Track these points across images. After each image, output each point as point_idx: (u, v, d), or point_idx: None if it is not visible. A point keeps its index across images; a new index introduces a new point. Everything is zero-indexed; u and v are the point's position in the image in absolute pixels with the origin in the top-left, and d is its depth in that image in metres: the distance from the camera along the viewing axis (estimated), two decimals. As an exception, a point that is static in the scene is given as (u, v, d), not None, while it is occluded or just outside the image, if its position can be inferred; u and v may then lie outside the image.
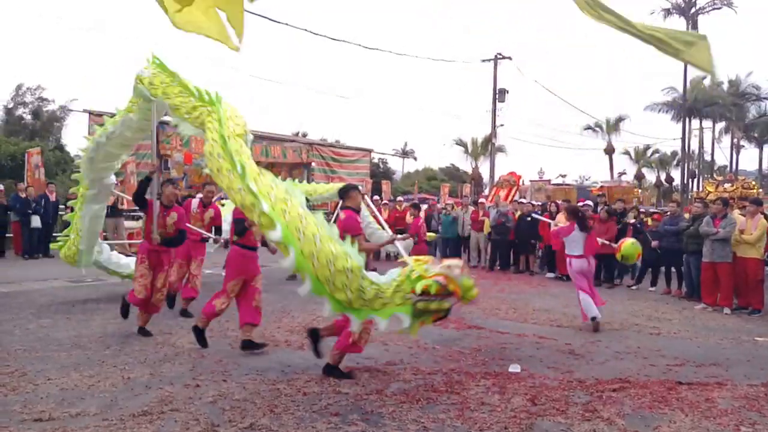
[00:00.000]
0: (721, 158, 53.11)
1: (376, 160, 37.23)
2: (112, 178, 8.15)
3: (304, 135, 38.54)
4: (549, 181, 27.35)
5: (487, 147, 33.41)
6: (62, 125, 31.06)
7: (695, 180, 46.67)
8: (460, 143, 40.49)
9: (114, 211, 13.87)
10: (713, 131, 49.62)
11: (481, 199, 15.61)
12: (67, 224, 8.77)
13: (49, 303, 7.83)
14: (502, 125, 29.62)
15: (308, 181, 22.33)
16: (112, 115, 20.02)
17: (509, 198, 15.58)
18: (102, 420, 3.75)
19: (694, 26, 40.23)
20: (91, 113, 19.49)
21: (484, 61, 29.17)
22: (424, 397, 4.38)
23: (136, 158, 17.74)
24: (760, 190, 16.95)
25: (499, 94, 28.52)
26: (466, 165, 41.14)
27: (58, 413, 3.86)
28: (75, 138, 62.92)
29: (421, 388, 4.59)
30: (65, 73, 69.75)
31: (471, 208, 14.23)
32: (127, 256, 13.49)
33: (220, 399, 4.22)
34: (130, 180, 16.95)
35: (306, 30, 10.68)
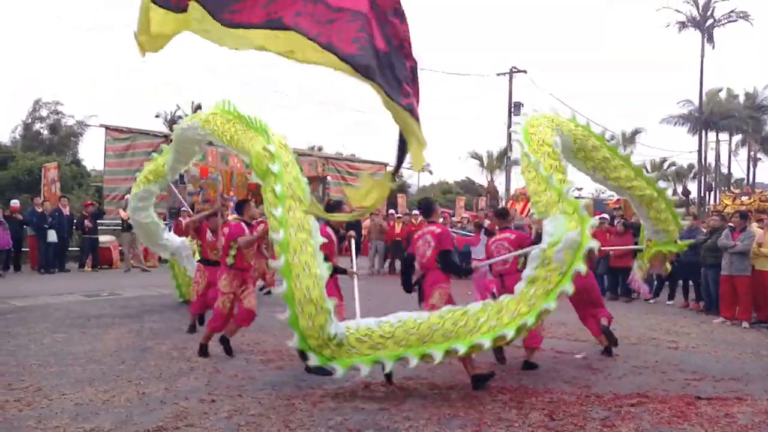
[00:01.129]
0: (738, 171, 52.47)
1: (390, 174, 37.28)
2: None
3: (320, 149, 38.78)
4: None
5: (503, 160, 33.37)
6: (79, 140, 31.55)
7: (712, 193, 46.15)
8: (476, 156, 40.47)
9: (130, 226, 14.00)
10: (730, 144, 49.12)
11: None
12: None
13: (64, 317, 7.90)
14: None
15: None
16: (129, 131, 20.34)
17: (525, 211, 15.49)
18: (117, 435, 3.76)
19: (710, 39, 40.10)
20: (107, 128, 19.82)
21: (499, 74, 29.25)
22: (440, 413, 4.34)
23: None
24: (778, 202, 16.71)
25: (515, 108, 28.51)
26: (481, 178, 41.05)
27: (73, 428, 3.87)
28: (92, 153, 63.96)
29: (438, 404, 4.55)
30: (83, 88, 70.95)
31: (487, 222, 14.17)
32: (143, 270, 13.71)
33: (235, 414, 4.22)
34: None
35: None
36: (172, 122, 47.75)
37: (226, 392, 4.73)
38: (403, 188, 37.86)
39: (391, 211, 18.59)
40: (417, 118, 3.37)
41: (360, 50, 3.17)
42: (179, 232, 8.75)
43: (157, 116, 48.85)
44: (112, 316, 8.02)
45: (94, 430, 3.86)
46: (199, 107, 49.23)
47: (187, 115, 54.04)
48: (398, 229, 14.77)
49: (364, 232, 16.68)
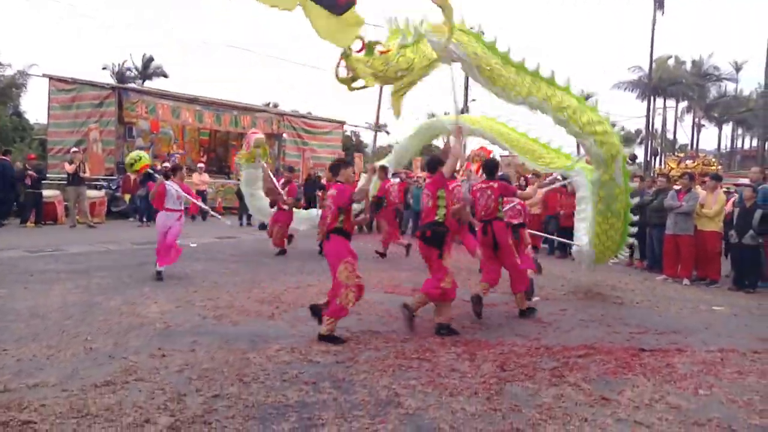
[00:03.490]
0: (683, 137, 54.44)
1: (348, 133, 36.89)
2: None
3: (276, 105, 37.80)
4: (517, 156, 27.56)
5: (458, 121, 33.38)
6: (22, 91, 29.75)
7: (658, 157, 47.76)
8: (432, 116, 40.35)
9: (75, 180, 13.42)
10: (676, 110, 50.77)
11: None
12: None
13: (5, 273, 7.54)
14: (474, 100, 29.63)
15: (279, 153, 22.05)
16: (75, 81, 19.56)
17: (479, 172, 15.64)
18: (61, 390, 3.64)
19: (661, 6, 40.74)
20: (51, 78, 18.74)
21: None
22: (395, 364, 4.39)
23: (99, 125, 17.19)
24: (719, 167, 17.42)
25: (471, 72, 28.46)
26: (438, 139, 41.08)
27: (15, 384, 3.72)
28: (34, 105, 60.51)
29: (393, 356, 4.60)
30: (21, 36, 66.62)
31: (397, 178, 14.26)
32: (90, 226, 13.21)
33: (187, 369, 4.14)
34: (92, 148, 16.42)
35: None
36: (119, 74, 45.54)
37: (177, 347, 4.64)
38: (359, 148, 37.55)
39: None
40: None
41: None
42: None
43: (104, 68, 46.49)
44: (57, 272, 7.71)
45: (38, 385, 3.72)
46: (150, 59, 47.10)
47: (137, 69, 51.08)
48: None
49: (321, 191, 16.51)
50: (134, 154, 8.34)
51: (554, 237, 10.77)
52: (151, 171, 8.95)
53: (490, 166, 6.61)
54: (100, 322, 5.30)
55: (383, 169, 10.90)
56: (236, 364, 4.27)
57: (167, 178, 7.91)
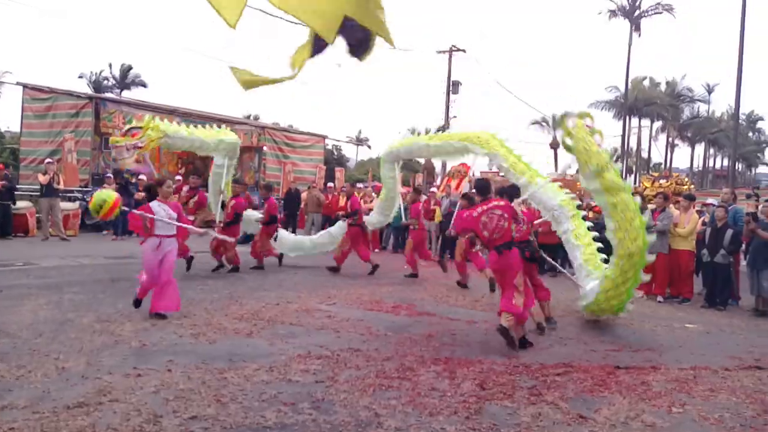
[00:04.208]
0: (657, 156, 55.74)
1: (330, 147, 36.93)
2: None
3: (256, 118, 37.74)
4: (498, 172, 27.81)
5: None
6: (-6, 99, 29.23)
7: (632, 175, 48.68)
8: (414, 132, 40.63)
9: (49, 191, 13.18)
10: (651, 130, 51.95)
11: (433, 189, 15.71)
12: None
13: (-26, 288, 7.33)
14: (455, 117, 29.91)
15: (259, 166, 21.93)
16: (51, 90, 19.43)
17: (459, 188, 15.74)
18: (32, 413, 3.53)
19: (637, 28, 41.90)
20: (26, 86, 18.44)
21: (439, 52, 29.35)
22: (375, 383, 4.36)
23: (74, 136, 16.93)
24: (692, 186, 17.79)
25: (453, 86, 28.81)
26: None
27: (-17, 406, 3.61)
28: (6, 112, 59.36)
29: (373, 375, 4.57)
30: (-5, 45, 65.50)
31: (423, 197, 14.30)
32: (63, 239, 12.95)
33: (163, 389, 4.06)
34: (67, 158, 16.14)
35: (262, 11, 10.59)
36: (96, 83, 45.00)
37: (153, 367, 4.54)
38: (341, 162, 37.63)
39: (330, 184, 18.45)
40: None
41: None
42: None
43: (80, 77, 45.90)
44: (27, 287, 7.51)
45: (7, 407, 3.59)
46: (129, 69, 46.61)
47: (115, 78, 50.25)
48: (342, 202, 14.52)
49: (302, 204, 16.47)
50: (97, 197, 6.34)
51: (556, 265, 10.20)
52: (126, 208, 6.77)
53: (484, 186, 6.19)
54: (73, 341, 5.17)
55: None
56: (213, 384, 4.21)
57: (151, 198, 6.60)
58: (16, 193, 13.58)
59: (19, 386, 4.00)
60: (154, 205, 6.40)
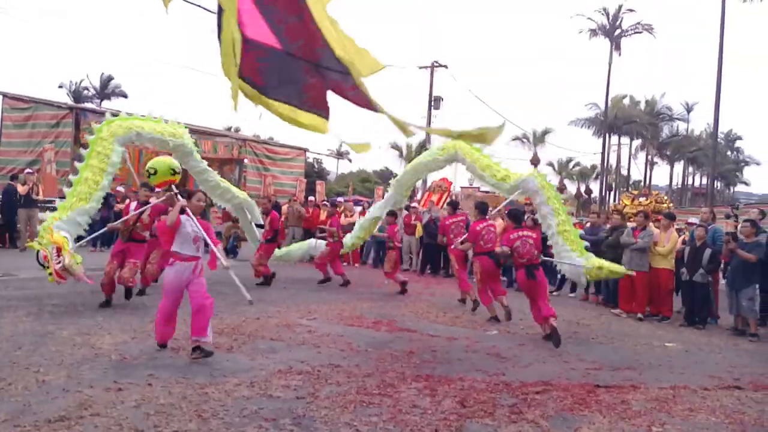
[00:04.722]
0: (636, 173, 56.61)
1: (310, 160, 36.95)
2: None
3: (237, 130, 37.60)
4: (478, 188, 28.02)
5: (421, 152, 33.84)
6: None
7: (612, 192, 49.39)
8: (396, 147, 40.89)
9: (28, 202, 13.00)
10: (630, 148, 52.83)
11: (414, 204, 15.79)
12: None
13: (-49, 299, 7.21)
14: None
15: (239, 179, 21.85)
16: (31, 100, 19.15)
17: (441, 203, 15.87)
18: (13, 426, 3.49)
19: (617, 48, 42.71)
20: (5, 96, 18.23)
21: (421, 68, 29.67)
22: (356, 400, 4.38)
23: (54, 146, 16.75)
24: (671, 204, 18.13)
25: (435, 101, 29.09)
26: (400, 169, 41.50)
27: (-38, 420, 3.56)
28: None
29: (354, 391, 4.58)
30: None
31: (404, 212, 14.37)
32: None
33: (144, 403, 4.04)
34: (46, 169, 15.96)
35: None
36: (76, 93, 44.59)
37: (133, 380, 4.51)
38: (322, 175, 37.64)
39: (311, 198, 18.44)
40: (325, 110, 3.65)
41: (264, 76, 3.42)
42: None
43: (60, 87, 45.46)
44: (7, 299, 7.41)
45: (-14, 421, 3.57)
46: (109, 79, 46.28)
47: (95, 88, 49.58)
48: (323, 216, 14.52)
49: (282, 217, 16.41)
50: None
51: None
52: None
53: (517, 215, 7.73)
54: (53, 353, 5.12)
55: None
56: (194, 399, 4.19)
57: (183, 210, 5.47)
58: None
59: (0, 399, 3.95)
60: (185, 217, 5.47)
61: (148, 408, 3.95)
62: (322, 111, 3.66)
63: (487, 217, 8.48)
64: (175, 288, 5.34)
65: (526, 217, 11.92)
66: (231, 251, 12.40)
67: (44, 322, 6.26)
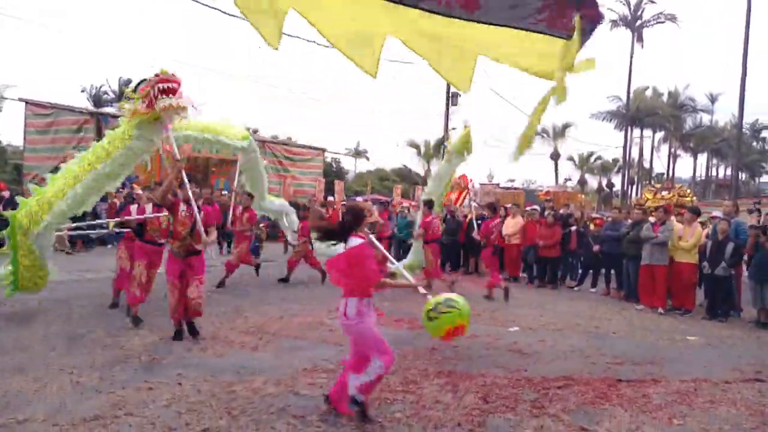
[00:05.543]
0: (659, 166, 55.73)
1: (329, 160, 37.08)
2: None
3: (255, 132, 37.88)
4: (498, 184, 27.95)
5: (440, 149, 33.85)
6: (-3, 113, 29.47)
7: (634, 186, 48.74)
8: (413, 145, 40.87)
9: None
10: (653, 140, 52.03)
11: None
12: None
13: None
14: (454, 128, 30.06)
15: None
16: (53, 106, 19.46)
17: (460, 201, 15.86)
18: (52, 425, 3.66)
19: (639, 38, 42.07)
20: (28, 102, 18.60)
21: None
22: (380, 396, 4.47)
23: (77, 152, 17.05)
24: (694, 198, 17.89)
25: (452, 98, 28.98)
26: (418, 167, 41.55)
27: (3, 420, 3.74)
28: (9, 128, 59.81)
29: (378, 389, 4.66)
30: (-1, 59, 66.17)
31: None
32: (67, 253, 13.09)
33: (174, 402, 4.18)
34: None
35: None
36: (96, 97, 45.29)
37: (164, 380, 4.67)
38: (340, 175, 37.77)
39: (330, 198, 18.56)
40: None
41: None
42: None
43: (82, 91, 46.25)
44: (38, 301, 7.63)
45: (27, 420, 3.73)
46: (128, 82, 46.93)
47: (114, 92, 49.87)
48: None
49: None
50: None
51: None
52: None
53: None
54: (85, 355, 5.30)
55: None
56: (223, 397, 4.32)
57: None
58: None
59: (37, 399, 4.13)
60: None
61: (179, 406, 4.09)
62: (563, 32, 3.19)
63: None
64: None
65: (546, 213, 12.05)
66: (254, 251, 12.59)
67: (74, 324, 6.46)
